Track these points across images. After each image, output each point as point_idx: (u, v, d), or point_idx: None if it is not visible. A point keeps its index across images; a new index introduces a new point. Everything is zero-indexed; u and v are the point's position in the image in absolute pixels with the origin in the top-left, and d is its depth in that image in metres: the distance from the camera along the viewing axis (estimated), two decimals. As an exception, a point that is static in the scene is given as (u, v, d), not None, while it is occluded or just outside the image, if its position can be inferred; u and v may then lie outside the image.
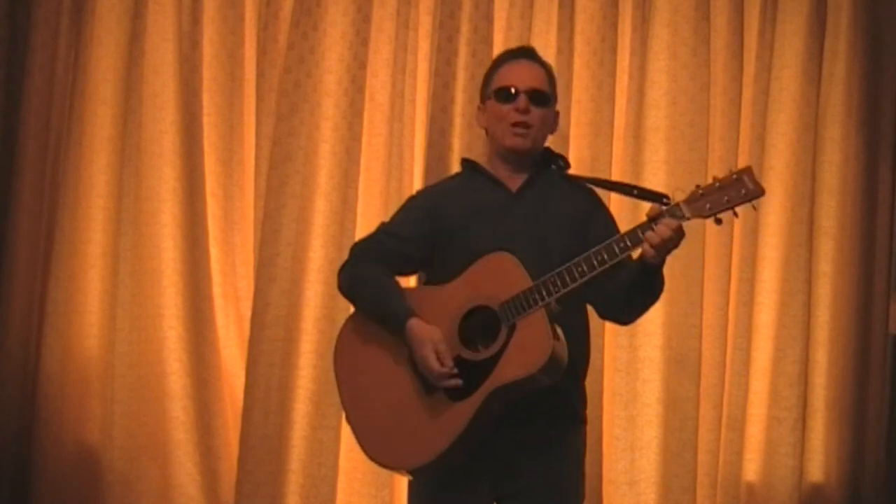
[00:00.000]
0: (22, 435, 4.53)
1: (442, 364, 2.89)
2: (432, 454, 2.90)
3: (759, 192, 2.77)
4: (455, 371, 2.89)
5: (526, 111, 3.02)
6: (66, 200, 4.55)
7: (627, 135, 4.49)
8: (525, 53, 3.15)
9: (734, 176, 2.79)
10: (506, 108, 3.04)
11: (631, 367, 4.43)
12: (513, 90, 3.04)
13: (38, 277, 4.59)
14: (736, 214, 2.82)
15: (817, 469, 4.47)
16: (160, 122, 4.59)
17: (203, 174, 4.58)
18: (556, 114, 3.16)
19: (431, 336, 2.92)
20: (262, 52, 4.59)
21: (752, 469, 4.46)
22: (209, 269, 4.58)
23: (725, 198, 2.78)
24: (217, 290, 4.61)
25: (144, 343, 4.54)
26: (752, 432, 4.45)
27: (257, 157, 4.60)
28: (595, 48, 4.48)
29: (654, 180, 4.44)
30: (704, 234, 4.35)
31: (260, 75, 4.59)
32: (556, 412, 2.98)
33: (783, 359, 4.43)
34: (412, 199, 3.28)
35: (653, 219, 2.83)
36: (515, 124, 3.03)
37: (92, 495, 4.51)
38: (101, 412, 4.54)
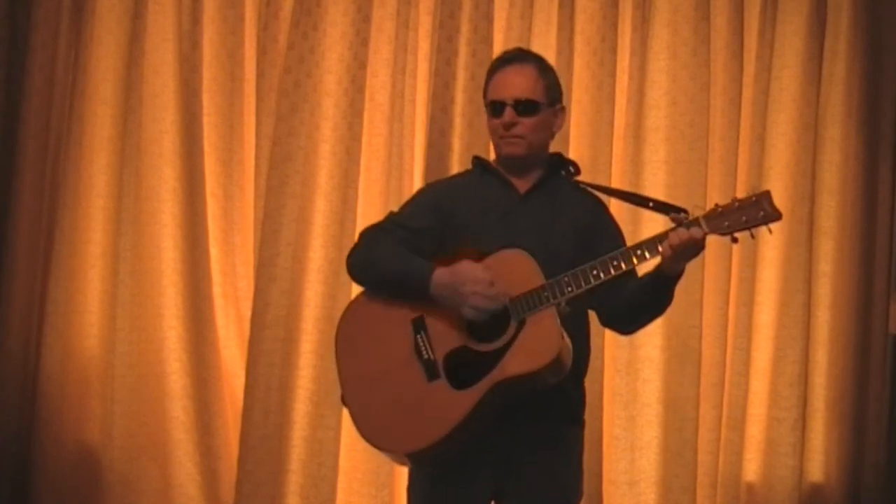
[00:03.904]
0: (22, 435, 4.54)
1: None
2: (429, 440, 2.89)
3: (777, 216, 2.79)
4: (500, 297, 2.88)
5: (512, 125, 3.01)
6: (66, 200, 4.55)
7: (627, 135, 4.49)
8: (512, 58, 3.09)
9: (753, 198, 2.81)
10: (495, 121, 3.04)
11: (631, 367, 4.43)
12: (499, 105, 3.03)
13: (38, 277, 4.59)
14: (752, 236, 2.84)
15: (817, 469, 4.47)
16: (160, 122, 4.59)
17: (203, 174, 4.58)
18: (560, 111, 3.09)
19: (467, 269, 2.90)
20: (262, 52, 4.59)
21: (752, 469, 4.46)
22: (209, 269, 4.58)
23: (744, 218, 2.80)
24: (217, 290, 4.61)
25: (144, 343, 4.55)
26: (752, 432, 4.45)
27: (257, 157, 4.60)
28: (595, 48, 4.48)
29: (653, 180, 4.45)
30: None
31: (260, 75, 4.59)
32: (555, 412, 2.99)
33: (783, 359, 4.43)
34: (422, 192, 3.27)
35: (672, 230, 2.84)
36: (504, 136, 3.03)
37: (92, 495, 4.51)
38: (101, 412, 4.54)
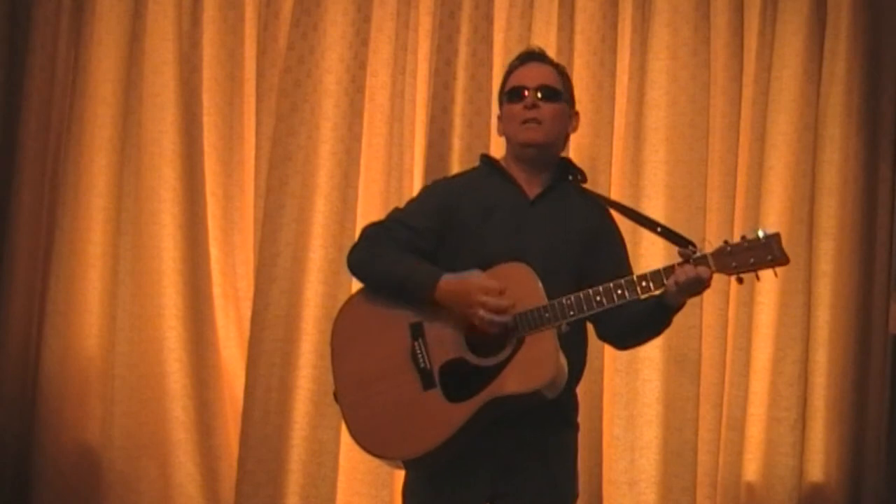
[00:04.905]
0: (22, 435, 4.54)
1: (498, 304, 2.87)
2: (421, 450, 2.90)
3: (784, 261, 2.81)
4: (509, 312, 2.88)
5: (534, 106, 3.03)
6: (66, 200, 4.55)
7: (627, 135, 4.49)
8: (533, 56, 3.16)
9: (763, 240, 2.81)
10: (516, 106, 3.06)
11: (631, 367, 4.42)
12: (522, 90, 3.06)
13: (38, 277, 4.60)
14: (758, 278, 2.86)
15: (817, 469, 4.47)
16: (160, 122, 4.59)
17: (203, 174, 4.58)
18: (576, 114, 3.15)
19: (476, 281, 2.90)
20: (262, 52, 4.60)
21: (752, 469, 4.46)
22: (209, 269, 4.58)
23: (751, 259, 2.81)
24: (217, 290, 4.61)
25: (144, 343, 4.55)
26: (752, 432, 4.45)
27: (257, 157, 4.60)
28: (595, 48, 4.48)
29: (654, 180, 4.45)
30: (703, 234, 4.35)
31: (260, 75, 4.60)
32: (548, 416, 2.98)
33: (783, 359, 4.43)
34: (428, 190, 3.27)
35: (679, 265, 2.86)
36: (526, 120, 3.04)
37: (92, 495, 4.51)
38: (101, 412, 4.54)
